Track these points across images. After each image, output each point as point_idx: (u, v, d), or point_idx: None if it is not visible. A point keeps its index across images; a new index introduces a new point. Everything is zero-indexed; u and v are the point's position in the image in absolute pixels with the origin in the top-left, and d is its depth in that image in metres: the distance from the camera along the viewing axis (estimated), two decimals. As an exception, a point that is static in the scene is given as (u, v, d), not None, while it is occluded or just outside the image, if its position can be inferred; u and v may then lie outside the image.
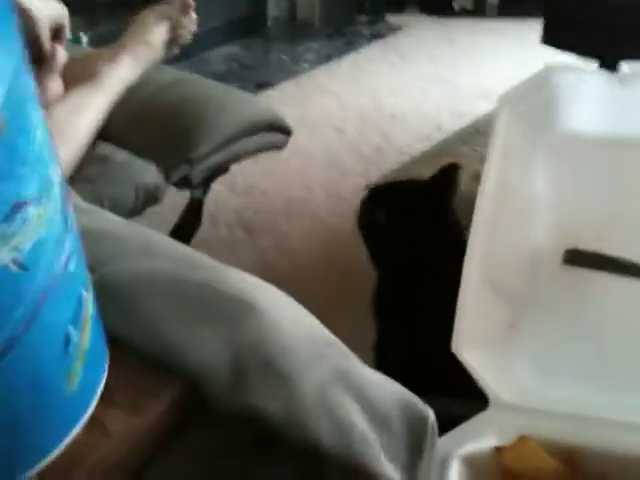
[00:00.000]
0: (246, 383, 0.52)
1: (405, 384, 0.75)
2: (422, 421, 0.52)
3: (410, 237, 1.55)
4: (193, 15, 1.40)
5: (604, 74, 0.77)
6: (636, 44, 1.59)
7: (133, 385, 0.54)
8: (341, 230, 2.05)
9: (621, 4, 1.67)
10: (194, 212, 1.34)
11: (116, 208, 1.11)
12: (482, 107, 2.56)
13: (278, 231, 2.04)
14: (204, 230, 2.05)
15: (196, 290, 0.56)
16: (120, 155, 1.17)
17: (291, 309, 0.62)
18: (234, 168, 2.19)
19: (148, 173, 1.15)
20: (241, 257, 1.97)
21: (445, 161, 2.50)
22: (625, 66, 0.77)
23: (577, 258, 0.70)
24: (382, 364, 1.46)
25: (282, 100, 2.66)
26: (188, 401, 0.53)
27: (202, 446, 0.53)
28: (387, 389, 0.54)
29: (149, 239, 0.64)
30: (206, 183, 1.30)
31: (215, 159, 1.25)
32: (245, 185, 2.23)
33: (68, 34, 1.50)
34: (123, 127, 1.25)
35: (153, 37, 1.34)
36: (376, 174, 2.30)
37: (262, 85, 2.74)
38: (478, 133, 2.51)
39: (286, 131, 1.44)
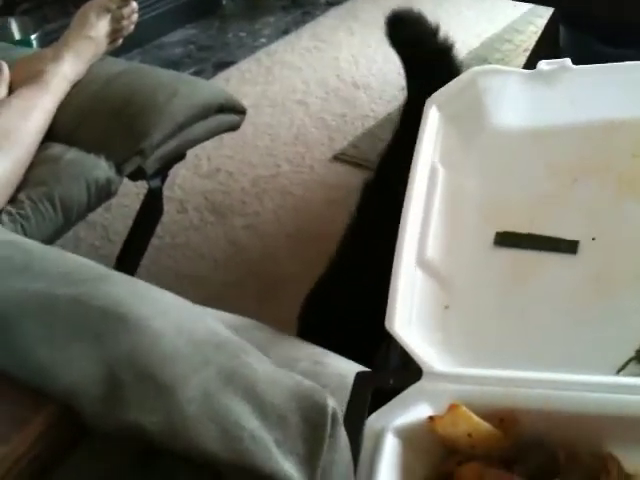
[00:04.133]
0: (122, 398, 0.51)
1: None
2: (321, 411, 0.51)
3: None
4: (134, 4, 1.39)
5: (526, 73, 0.80)
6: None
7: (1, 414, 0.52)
8: (311, 203, 2.05)
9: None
10: (154, 202, 1.34)
11: (70, 207, 1.11)
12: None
13: (248, 211, 2.04)
14: (172, 215, 2.05)
15: (67, 308, 0.55)
16: (70, 153, 1.16)
17: (180, 315, 0.60)
18: (198, 151, 2.19)
19: (99, 168, 1.15)
20: (211, 240, 1.98)
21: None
22: (543, 63, 0.81)
23: (507, 239, 0.72)
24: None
25: (243, 78, 2.65)
26: (66, 424, 0.52)
27: (86, 468, 0.52)
28: (282, 384, 0.54)
29: (29, 258, 0.62)
30: (163, 172, 1.30)
31: (168, 147, 1.24)
32: (211, 167, 2.22)
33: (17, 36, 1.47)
34: (72, 124, 1.24)
35: (94, 31, 1.33)
36: (342, 142, 2.30)
37: (221, 65, 2.72)
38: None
39: (240, 111, 1.43)
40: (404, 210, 0.67)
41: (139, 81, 1.30)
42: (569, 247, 0.68)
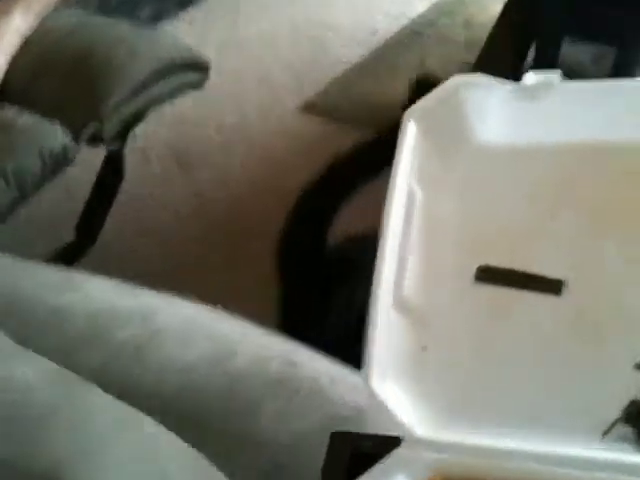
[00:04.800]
0: None
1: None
2: None
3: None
4: (88, -50, 1.30)
5: (510, 85, 0.74)
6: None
7: None
8: (280, 153, 1.99)
9: None
10: (113, 167, 1.28)
11: (24, 180, 1.05)
12: (418, 8, 2.47)
13: (213, 162, 1.97)
14: (135, 167, 1.97)
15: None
16: (23, 118, 1.09)
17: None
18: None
19: (54, 136, 1.08)
20: (176, 192, 1.91)
21: (382, 69, 2.45)
22: (530, 76, 0.75)
23: (489, 275, 0.67)
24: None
25: (207, 20, 2.53)
26: None
27: None
28: None
29: None
30: (122, 135, 1.23)
31: (127, 110, 1.18)
32: (175, 115, 2.13)
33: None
34: (24, 82, 1.17)
35: (46, -20, 1.24)
36: (311, 89, 2.22)
37: (184, 3, 2.60)
38: (414, 34, 2.43)
39: (204, 68, 1.36)
40: (380, 242, 0.63)
41: (95, 37, 1.22)
42: (553, 287, 0.64)
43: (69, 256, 1.29)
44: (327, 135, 2.06)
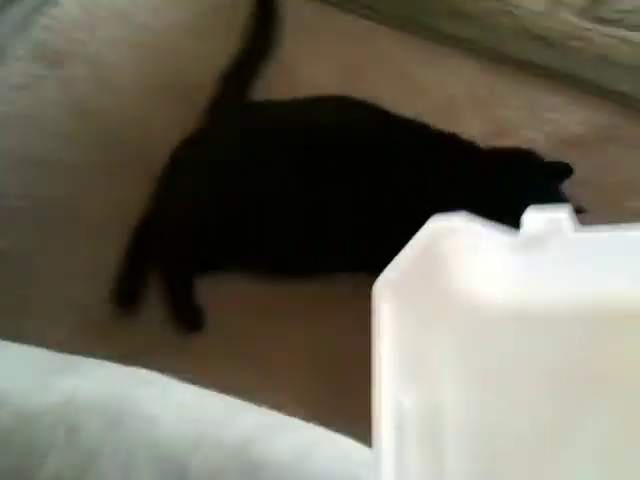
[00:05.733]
0: None
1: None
2: None
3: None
4: None
5: (501, 235, 0.58)
6: None
7: None
8: (175, 44, 1.59)
9: None
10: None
11: None
12: None
13: (92, 58, 1.57)
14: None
15: None
16: None
17: None
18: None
19: None
20: (47, 97, 1.53)
21: None
22: (526, 227, 0.58)
23: None
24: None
25: None
26: None
27: None
28: None
29: None
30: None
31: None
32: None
33: None
34: None
35: None
36: None
37: None
38: None
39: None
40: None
41: None
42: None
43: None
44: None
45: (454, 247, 0.57)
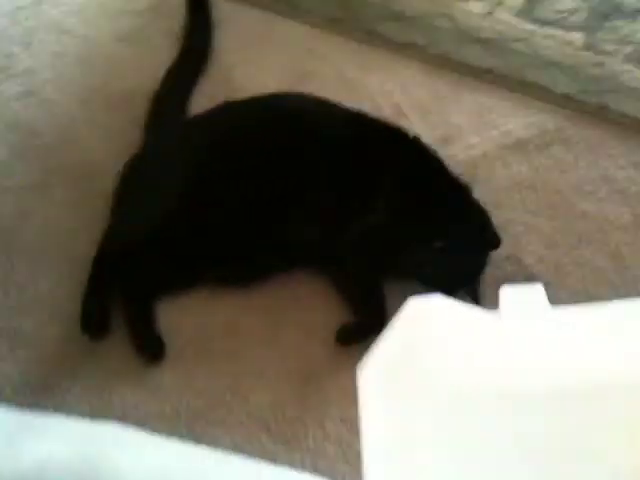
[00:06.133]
0: None
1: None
2: None
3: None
4: None
5: (482, 312, 0.58)
6: None
7: None
8: (113, 55, 1.54)
9: None
10: None
11: None
12: None
13: (18, 70, 1.50)
14: None
15: None
16: None
17: None
18: None
19: None
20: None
21: None
22: (508, 297, 0.57)
23: None
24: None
25: None
26: None
27: None
28: None
29: None
30: None
31: None
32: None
33: None
34: None
35: None
36: None
37: None
38: None
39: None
40: None
41: None
42: None
43: None
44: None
45: (434, 327, 0.56)
